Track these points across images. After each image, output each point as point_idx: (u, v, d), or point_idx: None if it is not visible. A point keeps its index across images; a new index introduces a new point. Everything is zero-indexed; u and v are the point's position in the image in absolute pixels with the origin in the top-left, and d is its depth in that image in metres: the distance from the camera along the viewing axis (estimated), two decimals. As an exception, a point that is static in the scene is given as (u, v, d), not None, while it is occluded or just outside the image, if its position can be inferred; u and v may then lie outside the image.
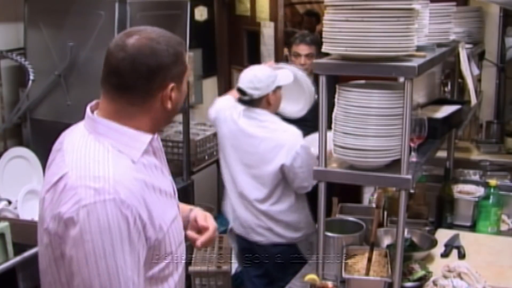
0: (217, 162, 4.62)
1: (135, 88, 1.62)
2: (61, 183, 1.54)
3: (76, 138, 1.66)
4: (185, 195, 3.96)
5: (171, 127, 4.49)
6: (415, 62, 2.09)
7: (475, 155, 4.00)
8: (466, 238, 2.87)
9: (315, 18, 6.73)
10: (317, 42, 3.94)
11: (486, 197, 2.99)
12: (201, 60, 5.22)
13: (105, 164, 1.54)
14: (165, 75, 1.63)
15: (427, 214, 3.06)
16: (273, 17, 5.15)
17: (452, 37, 2.81)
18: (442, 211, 3.07)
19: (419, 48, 2.27)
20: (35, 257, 1.75)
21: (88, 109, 1.71)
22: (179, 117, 4.11)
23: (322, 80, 2.17)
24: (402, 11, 2.06)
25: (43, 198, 1.60)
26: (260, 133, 3.17)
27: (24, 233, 2.68)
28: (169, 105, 1.65)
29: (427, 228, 2.94)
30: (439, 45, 2.63)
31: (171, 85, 1.64)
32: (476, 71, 3.42)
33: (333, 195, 3.45)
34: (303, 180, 3.13)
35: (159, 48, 1.62)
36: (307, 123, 3.38)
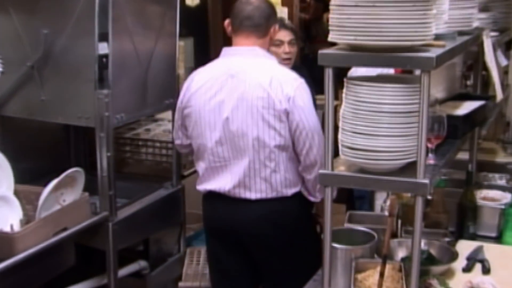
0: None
1: (261, 26, 3.11)
2: (274, 81, 3.00)
3: (248, 65, 3.09)
4: (174, 202, 3.96)
5: (159, 125, 4.50)
6: (433, 53, 2.09)
7: (501, 157, 4.00)
8: (491, 251, 2.87)
9: (323, 3, 6.73)
10: (295, 30, 4.03)
11: (513, 204, 3.00)
12: (192, 51, 5.24)
13: (285, 69, 3.20)
14: (273, 19, 3.17)
15: (447, 223, 3.06)
16: (287, 1, 5.09)
17: (476, 24, 2.80)
18: (464, 220, 3.08)
19: (438, 37, 2.27)
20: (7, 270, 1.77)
21: (228, 49, 3.18)
22: (167, 114, 4.12)
23: (328, 73, 2.18)
24: (419, -5, 2.07)
25: (260, 98, 3.03)
26: None
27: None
28: (270, 40, 3.21)
29: (446, 239, 2.94)
30: (461, 33, 2.63)
31: (275, 25, 3.18)
32: (503, 62, 3.42)
33: (341, 201, 3.47)
34: None
35: (269, 2, 3.19)
36: None
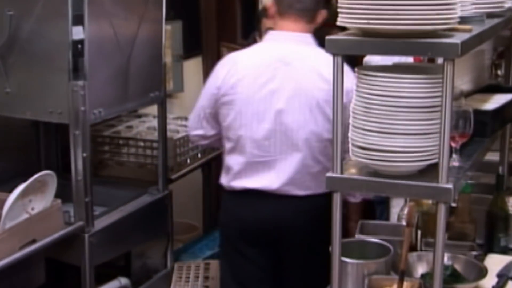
0: (202, 166, 4.65)
1: (311, 10, 3.27)
2: (325, 71, 2.99)
3: (301, 53, 3.26)
4: (160, 210, 3.97)
5: (142, 122, 4.51)
6: (457, 38, 2.10)
7: (537, 159, 4.00)
8: (525, 266, 2.88)
9: None
10: None
11: (550, 213, 3.01)
12: (181, 36, 5.23)
13: None
14: (321, 3, 3.33)
15: (474, 234, 3.07)
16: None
17: (508, 4, 2.80)
18: (494, 230, 3.08)
19: (464, 20, 2.28)
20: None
21: (277, 32, 3.34)
22: (153, 109, 4.12)
23: (337, 62, 2.19)
24: (441, -28, 2.08)
25: (321, 89, 3.15)
26: None
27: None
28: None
29: (473, 253, 2.95)
30: (490, 15, 2.63)
31: (322, 11, 3.32)
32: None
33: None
34: None
35: None
36: None
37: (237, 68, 3.28)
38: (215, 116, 3.37)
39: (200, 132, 3.47)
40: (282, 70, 3.21)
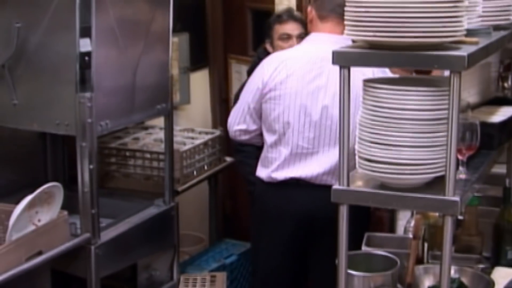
0: (208, 178, 4.65)
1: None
2: (365, 70, 2.99)
3: None
4: (167, 222, 3.96)
5: (149, 134, 4.51)
6: (464, 51, 2.10)
7: (544, 171, 4.00)
8: (532, 279, 2.87)
9: None
10: (306, 23, 4.03)
11: (559, 226, 3.00)
12: (188, 48, 5.24)
13: None
14: None
15: (481, 247, 3.07)
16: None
17: (514, 17, 2.82)
18: (501, 243, 3.07)
19: (470, 32, 2.28)
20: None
21: (320, 34, 3.51)
22: (159, 121, 4.13)
23: (344, 74, 2.19)
24: (448, -15, 2.08)
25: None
26: None
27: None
28: None
29: (480, 266, 2.94)
30: (497, 28, 2.64)
31: None
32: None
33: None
34: None
35: None
36: None
37: (286, 64, 3.50)
38: (258, 111, 3.60)
39: (242, 126, 3.69)
40: (328, 68, 3.29)
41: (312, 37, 3.59)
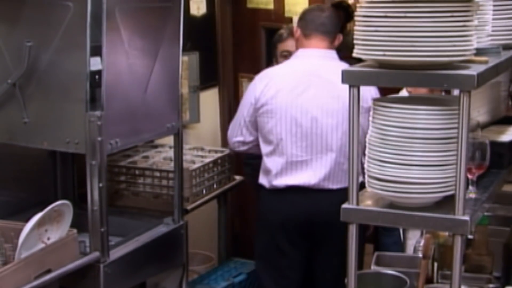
0: (218, 197, 4.64)
1: (332, 32, 3.81)
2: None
3: (329, 67, 3.70)
4: (176, 241, 3.96)
5: (159, 152, 4.51)
6: (474, 70, 2.10)
7: (555, 191, 3.98)
8: (543, 300, 2.85)
9: (344, 12, 6.76)
10: None
11: None
12: (198, 67, 5.25)
13: None
14: (338, 28, 3.85)
15: (491, 267, 3.05)
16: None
17: (524, 37, 2.81)
18: (511, 263, 3.06)
19: (480, 52, 2.28)
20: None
21: (306, 50, 3.86)
22: (169, 140, 4.13)
23: (353, 94, 2.19)
24: (458, 4, 2.09)
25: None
26: None
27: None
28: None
29: (491, 286, 2.94)
30: (506, 47, 2.64)
31: (339, 35, 3.89)
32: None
33: (367, 241, 3.48)
34: None
35: (336, 13, 3.85)
36: None
37: (276, 81, 3.80)
38: (253, 124, 3.90)
39: (240, 138, 4.00)
40: (315, 81, 3.74)
41: (299, 53, 3.88)
